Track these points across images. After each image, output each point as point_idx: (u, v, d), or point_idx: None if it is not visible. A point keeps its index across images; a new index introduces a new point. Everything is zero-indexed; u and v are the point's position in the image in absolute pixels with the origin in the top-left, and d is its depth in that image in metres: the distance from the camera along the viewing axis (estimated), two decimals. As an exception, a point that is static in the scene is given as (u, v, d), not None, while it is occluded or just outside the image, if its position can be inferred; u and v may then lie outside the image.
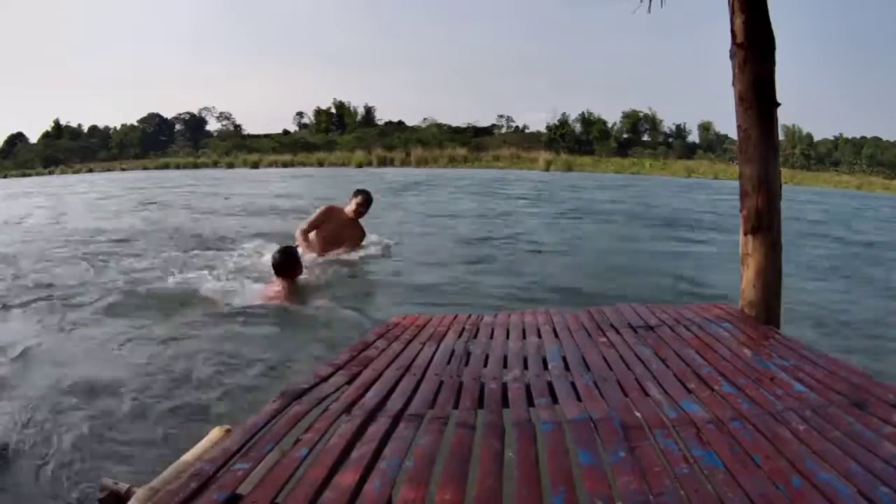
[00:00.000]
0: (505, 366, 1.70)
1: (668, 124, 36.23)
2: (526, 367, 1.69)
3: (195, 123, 38.76)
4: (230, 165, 28.64)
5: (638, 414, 1.29)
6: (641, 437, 1.16)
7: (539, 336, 1.99)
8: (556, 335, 2.00)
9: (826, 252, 6.19)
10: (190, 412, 2.16)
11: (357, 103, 39.16)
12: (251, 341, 2.89)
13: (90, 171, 29.72)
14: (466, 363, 1.72)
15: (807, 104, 43.76)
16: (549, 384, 1.52)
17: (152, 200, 11.17)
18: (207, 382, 2.41)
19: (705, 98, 50.31)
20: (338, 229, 4.64)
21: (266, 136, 36.29)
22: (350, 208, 4.71)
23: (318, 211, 4.68)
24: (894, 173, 26.47)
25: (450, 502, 0.93)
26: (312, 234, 4.58)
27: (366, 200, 4.73)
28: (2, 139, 35.99)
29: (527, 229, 7.13)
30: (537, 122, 56.48)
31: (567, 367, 1.67)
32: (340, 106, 38.84)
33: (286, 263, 3.67)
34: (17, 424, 2.14)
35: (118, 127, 37.67)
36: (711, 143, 33.85)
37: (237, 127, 39.00)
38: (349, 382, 1.54)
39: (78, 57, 56.17)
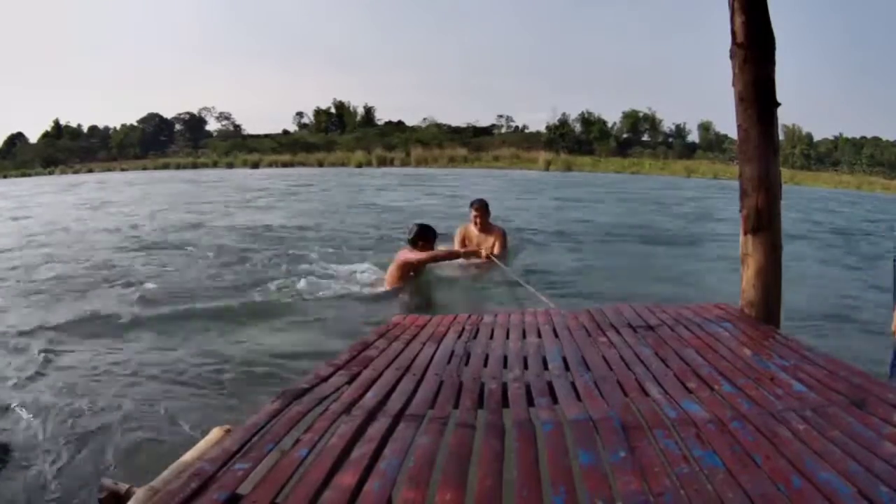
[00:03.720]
0: (505, 366, 1.69)
1: (667, 124, 36.25)
2: (526, 367, 1.68)
3: (195, 123, 38.73)
4: (230, 165, 28.64)
5: (638, 414, 1.28)
6: (641, 437, 1.15)
7: (539, 336, 1.99)
8: (556, 335, 1.99)
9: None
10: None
11: (357, 103, 39.21)
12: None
13: (90, 171, 29.71)
14: (466, 363, 1.72)
15: (807, 104, 43.93)
16: (549, 384, 1.52)
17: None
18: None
19: (705, 98, 50.45)
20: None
21: (266, 136, 36.28)
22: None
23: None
24: (894, 173, 26.45)
25: (450, 502, 0.93)
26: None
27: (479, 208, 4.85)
28: (2, 139, 36.00)
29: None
30: (537, 122, 56.49)
31: (567, 367, 1.66)
32: (340, 106, 38.84)
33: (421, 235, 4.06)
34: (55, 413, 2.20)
35: (118, 127, 37.69)
36: (711, 143, 33.82)
37: (237, 127, 39.00)
38: (349, 382, 1.54)
39: (78, 57, 56.24)
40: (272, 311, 3.63)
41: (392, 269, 4.06)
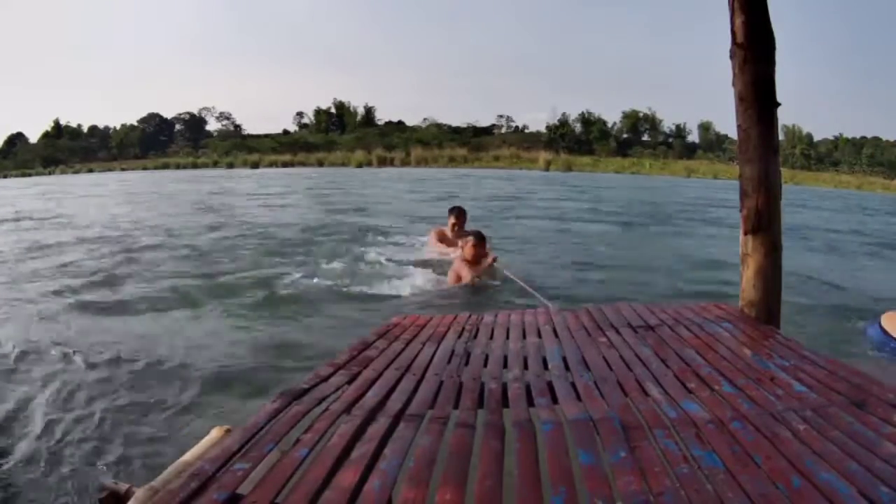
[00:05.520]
0: (505, 366, 1.69)
1: (667, 124, 36.26)
2: (526, 367, 1.68)
3: (195, 123, 38.73)
4: (230, 165, 28.66)
5: (638, 414, 1.28)
6: (641, 437, 1.15)
7: (539, 336, 1.99)
8: (556, 335, 1.99)
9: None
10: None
11: (357, 103, 39.22)
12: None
13: (90, 170, 29.73)
14: (466, 363, 1.72)
15: (807, 104, 43.94)
16: (549, 384, 1.52)
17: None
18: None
19: (705, 98, 50.48)
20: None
21: (266, 136, 36.29)
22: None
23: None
24: (894, 173, 26.46)
25: (450, 502, 0.93)
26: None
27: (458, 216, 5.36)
28: (2, 139, 35.98)
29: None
30: (537, 122, 56.38)
31: (567, 367, 1.66)
32: (340, 106, 38.85)
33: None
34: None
35: (118, 127, 37.70)
36: (711, 143, 33.82)
37: (237, 127, 39.01)
38: (349, 382, 1.54)
39: (78, 57, 56.23)
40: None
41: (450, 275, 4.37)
